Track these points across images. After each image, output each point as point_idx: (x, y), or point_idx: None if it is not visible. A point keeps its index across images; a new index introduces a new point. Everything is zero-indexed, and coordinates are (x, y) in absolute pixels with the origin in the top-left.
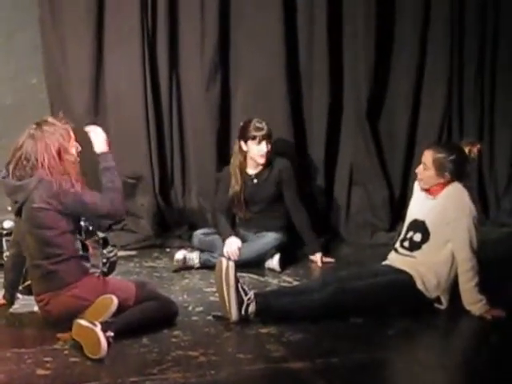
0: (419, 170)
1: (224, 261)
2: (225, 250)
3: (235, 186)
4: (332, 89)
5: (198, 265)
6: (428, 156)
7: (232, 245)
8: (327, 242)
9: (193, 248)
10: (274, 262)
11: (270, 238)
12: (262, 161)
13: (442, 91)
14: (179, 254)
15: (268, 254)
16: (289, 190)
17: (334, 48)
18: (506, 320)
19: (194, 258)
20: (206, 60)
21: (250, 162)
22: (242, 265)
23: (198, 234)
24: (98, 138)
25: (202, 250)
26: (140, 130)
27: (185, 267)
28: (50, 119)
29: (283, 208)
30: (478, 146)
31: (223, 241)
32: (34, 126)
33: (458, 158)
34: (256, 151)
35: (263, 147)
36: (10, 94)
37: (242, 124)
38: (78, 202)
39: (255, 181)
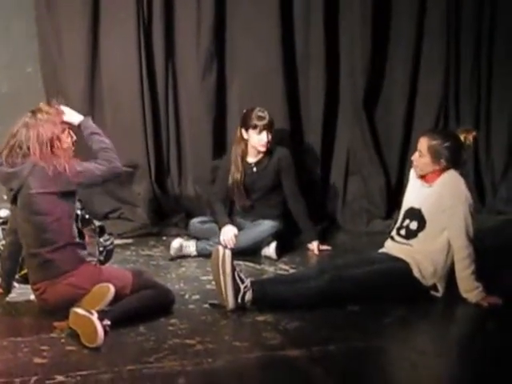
0: (415, 157)
1: (220, 249)
2: (221, 238)
3: (235, 173)
4: (328, 78)
5: (194, 253)
6: (423, 143)
7: (228, 233)
8: (324, 229)
9: (189, 236)
10: (270, 250)
11: (267, 225)
12: (262, 149)
13: (438, 80)
14: (176, 243)
15: (264, 242)
16: (288, 179)
17: (331, 37)
18: (502, 307)
19: (191, 246)
20: (202, 49)
21: (250, 151)
22: (238, 252)
23: (195, 222)
24: (71, 111)
25: (198, 239)
26: (136, 119)
27: (181, 255)
28: (45, 107)
29: (281, 196)
30: (474, 133)
31: (220, 229)
32: (29, 115)
33: (453, 144)
34: (256, 140)
35: (263, 137)
36: (5, 82)
37: (244, 112)
38: (75, 174)
39: (255, 169)
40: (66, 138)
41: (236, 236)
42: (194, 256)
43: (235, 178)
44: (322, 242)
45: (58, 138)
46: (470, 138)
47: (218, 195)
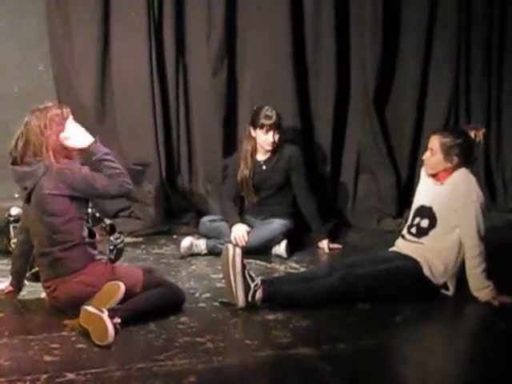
0: (426, 155)
1: (231, 247)
2: (232, 236)
3: (244, 170)
4: (339, 76)
5: (204, 251)
6: (435, 141)
7: (239, 230)
8: (334, 228)
9: (199, 235)
10: (281, 249)
11: (277, 224)
12: (268, 148)
13: (449, 77)
14: (186, 241)
15: (275, 241)
16: (297, 177)
17: (341, 35)
18: None
19: (201, 244)
20: (212, 47)
21: (259, 149)
22: (248, 251)
23: (205, 220)
24: (80, 132)
25: (208, 237)
26: (147, 117)
27: (192, 254)
28: (43, 105)
29: (291, 195)
30: (483, 130)
31: (230, 227)
32: (35, 113)
33: (464, 141)
34: (263, 139)
35: (269, 137)
36: (16, 81)
37: (254, 109)
38: (88, 184)
39: (264, 167)
40: (69, 138)
41: (248, 234)
42: (205, 254)
43: (244, 175)
44: (332, 241)
45: (57, 138)
46: (480, 134)
47: (228, 193)
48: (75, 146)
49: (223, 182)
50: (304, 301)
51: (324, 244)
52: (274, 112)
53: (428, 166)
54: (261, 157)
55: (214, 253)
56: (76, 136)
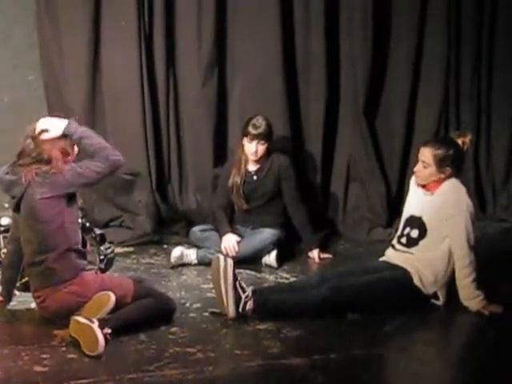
0: (418, 168)
1: (221, 258)
2: (222, 246)
3: (236, 177)
4: (329, 84)
5: (195, 261)
6: (427, 154)
7: (230, 241)
8: (324, 237)
9: (190, 244)
10: (271, 258)
11: (267, 233)
12: (252, 157)
13: (438, 86)
14: (176, 251)
15: (265, 250)
16: (288, 187)
17: (331, 43)
18: (503, 315)
19: (191, 254)
20: (202, 56)
21: (249, 158)
22: (239, 261)
23: (196, 230)
24: (52, 122)
25: (199, 247)
26: (137, 127)
27: (182, 264)
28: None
29: (281, 204)
30: (470, 136)
31: (221, 237)
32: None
33: (456, 151)
34: (247, 148)
35: (252, 146)
36: (6, 90)
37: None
38: (77, 174)
39: (255, 177)
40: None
41: (238, 243)
42: (195, 264)
43: (235, 182)
44: (322, 250)
45: (57, 158)
46: (467, 141)
47: (219, 202)
48: (56, 134)
49: (214, 191)
50: (294, 311)
51: (314, 254)
52: (263, 122)
53: (420, 177)
54: (252, 167)
55: (204, 262)
56: (52, 124)
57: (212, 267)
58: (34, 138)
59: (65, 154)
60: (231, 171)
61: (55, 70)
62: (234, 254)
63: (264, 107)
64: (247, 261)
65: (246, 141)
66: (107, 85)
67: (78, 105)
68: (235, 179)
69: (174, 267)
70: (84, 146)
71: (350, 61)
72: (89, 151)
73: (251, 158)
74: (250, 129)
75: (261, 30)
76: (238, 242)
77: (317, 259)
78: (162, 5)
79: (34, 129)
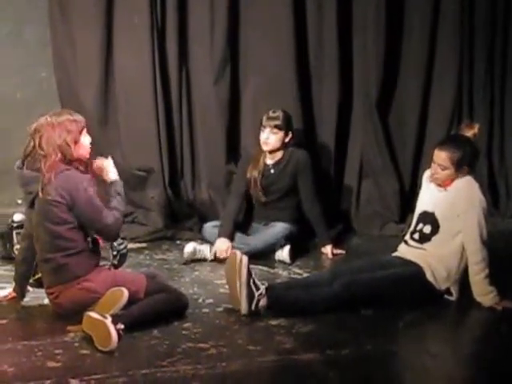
0: (435, 171)
1: (238, 254)
2: (213, 250)
3: (253, 170)
4: (342, 81)
5: (208, 257)
6: (444, 157)
7: (220, 247)
8: (338, 233)
9: (203, 240)
10: (284, 254)
11: (280, 227)
12: (264, 148)
13: (452, 81)
14: (189, 247)
15: (277, 244)
16: (305, 181)
17: (344, 39)
18: None
19: (204, 249)
20: (215, 53)
21: (262, 147)
22: (251, 256)
23: (208, 226)
24: (110, 167)
25: (211, 243)
26: (150, 123)
27: (195, 259)
28: (59, 111)
29: (295, 200)
30: (477, 126)
31: (218, 236)
32: (43, 121)
33: (470, 149)
34: (261, 137)
35: (265, 134)
36: (19, 87)
37: None
38: (89, 204)
39: (272, 171)
40: (79, 147)
41: (228, 248)
42: (208, 260)
43: (253, 175)
44: (335, 246)
45: (74, 141)
46: (477, 131)
47: (236, 192)
48: (109, 178)
49: (226, 187)
50: (307, 307)
51: (327, 249)
52: (278, 114)
53: (438, 179)
54: (269, 160)
55: (217, 258)
56: (110, 169)
57: (227, 263)
58: (33, 134)
59: (66, 146)
60: (248, 165)
61: (68, 67)
62: (225, 256)
63: (277, 104)
64: (259, 255)
65: (261, 131)
66: (120, 82)
67: (91, 102)
68: (253, 173)
69: (186, 263)
70: (114, 200)
71: (363, 56)
72: (113, 205)
73: (263, 146)
74: (264, 118)
75: (273, 27)
76: (229, 248)
77: (330, 255)
78: (174, 1)
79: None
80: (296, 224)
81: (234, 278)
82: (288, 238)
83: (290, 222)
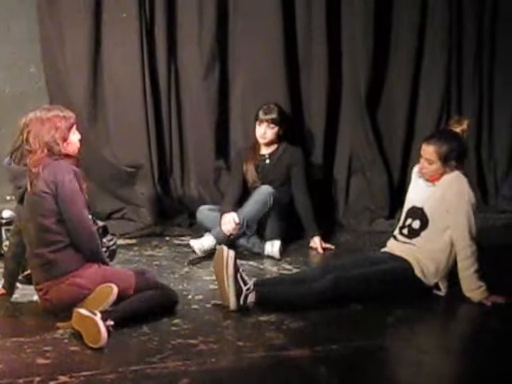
0: (423, 165)
1: (225, 249)
2: (223, 227)
3: (249, 161)
4: (331, 76)
5: (214, 242)
6: (431, 151)
7: (228, 217)
8: (326, 229)
9: (193, 236)
10: (274, 250)
11: (263, 189)
12: (261, 140)
13: (440, 77)
14: (196, 243)
15: (267, 205)
16: (297, 174)
17: (333, 35)
18: (505, 306)
19: (208, 238)
20: (204, 49)
21: (259, 141)
22: (248, 225)
23: (204, 208)
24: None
25: (205, 226)
26: (139, 119)
27: (209, 252)
28: (48, 106)
29: (289, 195)
30: (466, 121)
31: (221, 215)
32: (32, 116)
33: (459, 144)
34: (257, 131)
35: (261, 129)
36: (8, 82)
37: None
38: (69, 196)
39: (267, 161)
40: (68, 144)
41: (237, 223)
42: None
43: (249, 166)
44: (324, 241)
45: (55, 141)
46: (466, 127)
47: (234, 179)
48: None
49: (215, 183)
50: (297, 303)
51: (316, 242)
52: (273, 108)
53: (426, 174)
54: (265, 151)
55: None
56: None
57: (214, 259)
58: (22, 128)
59: (54, 143)
60: (243, 157)
61: (56, 62)
62: (236, 230)
63: (266, 100)
64: (253, 224)
65: (257, 125)
66: (108, 77)
67: (80, 97)
68: (249, 164)
69: (195, 262)
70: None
71: (352, 53)
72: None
73: (260, 140)
74: (261, 113)
75: (262, 22)
76: (237, 222)
77: (319, 249)
78: None
79: (25, 121)
80: (286, 219)
81: (221, 273)
82: (279, 233)
83: (282, 217)
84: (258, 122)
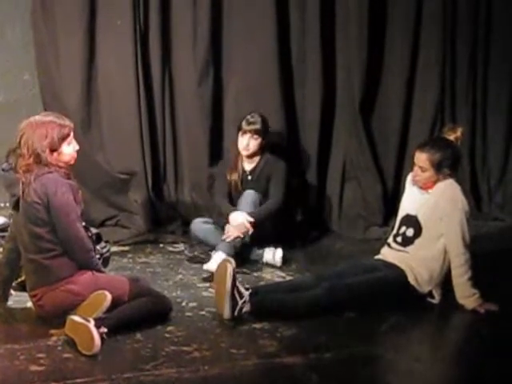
0: (416, 172)
1: (228, 267)
2: (234, 222)
3: (233, 173)
4: (325, 84)
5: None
6: (424, 159)
7: (238, 218)
8: (320, 236)
9: (186, 243)
10: (276, 258)
11: (247, 194)
12: (244, 153)
13: (434, 85)
14: (213, 263)
15: (256, 203)
16: (275, 185)
17: (327, 42)
18: (498, 314)
19: (219, 254)
20: (198, 55)
21: (242, 153)
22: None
23: (198, 221)
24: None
25: (199, 239)
26: (132, 126)
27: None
28: (49, 113)
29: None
30: (460, 129)
31: (227, 216)
32: (29, 120)
33: (452, 152)
34: (239, 142)
35: (244, 140)
36: (1, 90)
37: None
38: (63, 209)
39: (249, 177)
40: (68, 148)
41: (248, 220)
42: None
43: (232, 179)
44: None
45: (42, 149)
46: (459, 135)
47: (221, 191)
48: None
49: (209, 190)
50: (291, 310)
51: (238, 216)
52: (257, 118)
53: (420, 181)
54: (247, 166)
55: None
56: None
57: (216, 269)
58: (19, 131)
59: (42, 152)
60: (227, 169)
61: (50, 69)
62: (249, 228)
63: (259, 106)
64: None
65: (239, 135)
66: (103, 84)
67: (74, 104)
68: (232, 177)
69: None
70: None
71: (346, 59)
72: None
73: (243, 152)
74: (244, 123)
75: (256, 29)
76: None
77: (247, 224)
78: (157, 4)
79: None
80: (282, 225)
81: (220, 287)
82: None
83: (276, 223)
84: (240, 133)
